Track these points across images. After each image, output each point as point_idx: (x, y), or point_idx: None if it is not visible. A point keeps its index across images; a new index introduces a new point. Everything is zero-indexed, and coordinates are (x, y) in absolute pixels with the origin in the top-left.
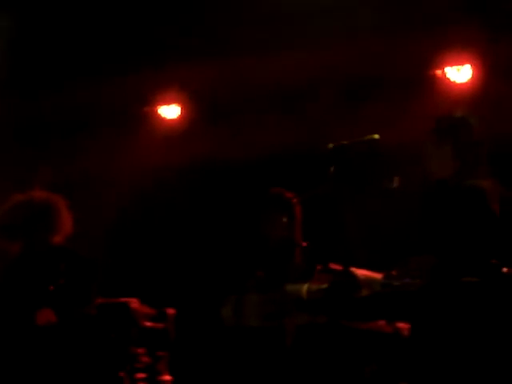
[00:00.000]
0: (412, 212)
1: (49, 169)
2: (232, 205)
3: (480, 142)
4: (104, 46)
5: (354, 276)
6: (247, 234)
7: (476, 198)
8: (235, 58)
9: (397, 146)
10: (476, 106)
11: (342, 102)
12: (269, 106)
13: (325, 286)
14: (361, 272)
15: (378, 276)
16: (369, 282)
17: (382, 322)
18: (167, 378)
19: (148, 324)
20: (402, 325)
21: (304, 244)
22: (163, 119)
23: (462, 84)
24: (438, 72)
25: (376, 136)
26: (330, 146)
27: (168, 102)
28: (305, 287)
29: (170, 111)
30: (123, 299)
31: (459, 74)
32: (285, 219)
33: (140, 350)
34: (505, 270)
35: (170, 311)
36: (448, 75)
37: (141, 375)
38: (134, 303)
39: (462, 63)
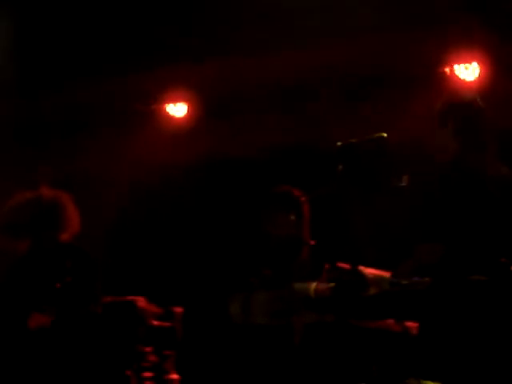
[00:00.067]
0: (420, 211)
1: (49, 169)
2: (239, 202)
3: (484, 125)
4: (105, 45)
5: (362, 275)
6: (254, 232)
7: (477, 187)
8: (237, 57)
9: (403, 145)
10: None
11: (351, 96)
12: (272, 104)
13: (333, 284)
14: (369, 271)
15: (386, 274)
16: (377, 280)
17: (390, 321)
18: (174, 376)
19: (155, 323)
20: (410, 324)
21: (312, 242)
22: (170, 117)
23: (469, 82)
24: (446, 70)
25: (384, 134)
26: (338, 144)
27: (175, 101)
28: (313, 286)
29: (177, 109)
30: (130, 298)
31: (467, 71)
32: (293, 217)
33: (147, 349)
34: None
35: (178, 310)
36: (456, 73)
37: (148, 374)
38: (141, 302)
39: (469, 61)
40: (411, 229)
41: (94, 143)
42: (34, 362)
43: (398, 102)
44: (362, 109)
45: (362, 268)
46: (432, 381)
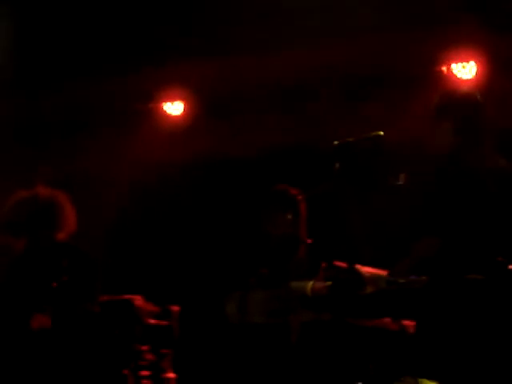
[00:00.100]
0: (417, 209)
1: (49, 169)
2: (236, 201)
3: (482, 118)
4: (105, 45)
5: (358, 273)
6: (251, 231)
7: (474, 181)
8: (237, 57)
9: (401, 144)
10: None
11: (351, 96)
12: (272, 104)
13: (330, 283)
14: (366, 269)
15: (383, 273)
16: (374, 279)
17: (387, 320)
18: (171, 375)
19: (152, 321)
20: (407, 322)
21: (309, 241)
22: (167, 116)
23: (466, 81)
24: (443, 69)
25: (381, 133)
26: (335, 142)
27: (172, 99)
28: (310, 284)
29: (173, 108)
30: (127, 296)
31: (464, 70)
32: (289, 216)
33: (144, 348)
34: (511, 267)
35: (175, 308)
36: (453, 72)
37: (145, 373)
38: (138, 300)
39: (466, 60)
40: (408, 227)
41: (94, 143)
42: (31, 360)
43: (397, 102)
44: (362, 109)
45: (358, 267)
46: (429, 379)
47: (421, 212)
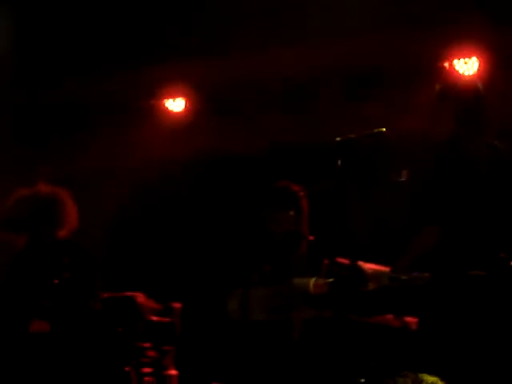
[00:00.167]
0: (419, 205)
1: (49, 168)
2: (238, 198)
3: (483, 107)
4: (105, 44)
5: (361, 270)
6: (253, 228)
7: (473, 168)
8: (238, 54)
9: (403, 141)
10: None
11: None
12: (272, 103)
13: (332, 279)
14: (368, 266)
15: (385, 270)
16: (376, 275)
17: (389, 316)
18: (173, 372)
19: (154, 318)
20: (409, 319)
21: (311, 238)
22: (169, 113)
23: (468, 76)
24: (445, 65)
25: (383, 129)
26: (337, 139)
27: (173, 96)
28: (312, 281)
29: (175, 105)
30: (129, 293)
31: (466, 66)
32: (291, 213)
33: (146, 345)
34: None
35: (176, 305)
36: (455, 67)
37: (147, 370)
38: (140, 297)
39: (468, 56)
40: (410, 223)
41: (94, 142)
42: (33, 358)
43: (397, 101)
44: (362, 108)
45: (361, 263)
46: (430, 374)
47: (421, 204)
